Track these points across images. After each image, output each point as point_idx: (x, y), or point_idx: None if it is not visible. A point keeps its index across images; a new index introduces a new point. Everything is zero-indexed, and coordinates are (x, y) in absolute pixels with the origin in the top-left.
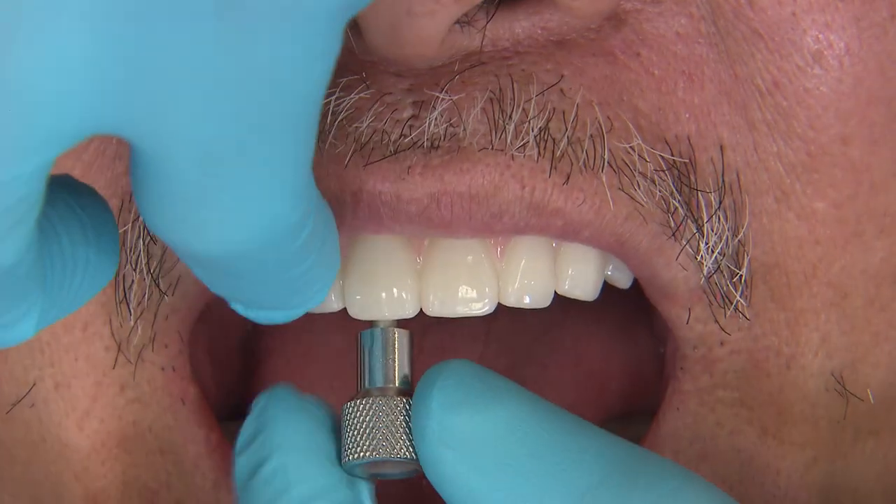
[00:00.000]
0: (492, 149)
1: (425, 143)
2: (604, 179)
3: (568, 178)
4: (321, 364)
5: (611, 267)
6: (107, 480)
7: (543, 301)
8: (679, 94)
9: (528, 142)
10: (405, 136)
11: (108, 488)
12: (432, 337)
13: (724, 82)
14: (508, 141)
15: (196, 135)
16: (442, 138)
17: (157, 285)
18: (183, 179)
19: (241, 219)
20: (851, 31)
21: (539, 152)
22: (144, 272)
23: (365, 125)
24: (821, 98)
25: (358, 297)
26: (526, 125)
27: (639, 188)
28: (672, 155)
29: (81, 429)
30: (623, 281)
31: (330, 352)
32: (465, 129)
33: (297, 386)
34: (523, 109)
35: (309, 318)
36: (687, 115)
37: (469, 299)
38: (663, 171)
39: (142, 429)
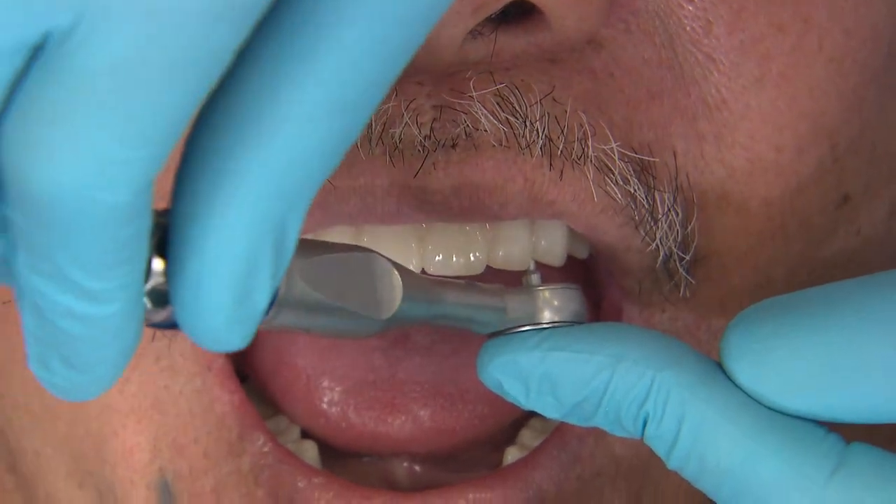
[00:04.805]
0: (501, 147)
1: (447, 143)
2: (589, 176)
3: (561, 174)
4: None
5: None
6: (142, 436)
7: (523, 265)
8: (642, 108)
9: (534, 141)
10: (429, 138)
11: (142, 442)
12: None
13: (678, 100)
14: (517, 140)
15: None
16: (461, 137)
17: None
18: None
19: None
20: (787, 59)
21: (540, 151)
22: None
23: (399, 131)
24: (760, 113)
25: None
26: (530, 127)
27: (615, 185)
28: (638, 155)
29: (122, 392)
30: (581, 252)
31: None
32: (479, 130)
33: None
34: (527, 113)
35: None
36: (648, 127)
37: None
38: (632, 172)
39: (173, 392)
